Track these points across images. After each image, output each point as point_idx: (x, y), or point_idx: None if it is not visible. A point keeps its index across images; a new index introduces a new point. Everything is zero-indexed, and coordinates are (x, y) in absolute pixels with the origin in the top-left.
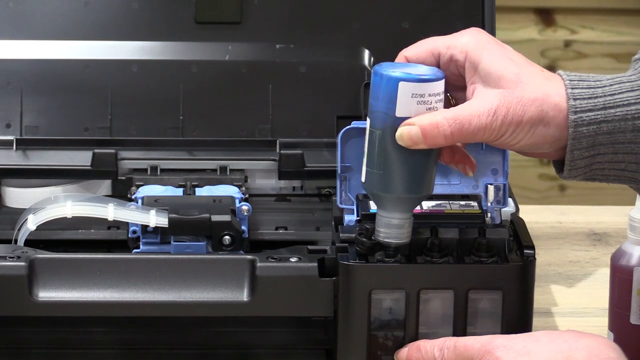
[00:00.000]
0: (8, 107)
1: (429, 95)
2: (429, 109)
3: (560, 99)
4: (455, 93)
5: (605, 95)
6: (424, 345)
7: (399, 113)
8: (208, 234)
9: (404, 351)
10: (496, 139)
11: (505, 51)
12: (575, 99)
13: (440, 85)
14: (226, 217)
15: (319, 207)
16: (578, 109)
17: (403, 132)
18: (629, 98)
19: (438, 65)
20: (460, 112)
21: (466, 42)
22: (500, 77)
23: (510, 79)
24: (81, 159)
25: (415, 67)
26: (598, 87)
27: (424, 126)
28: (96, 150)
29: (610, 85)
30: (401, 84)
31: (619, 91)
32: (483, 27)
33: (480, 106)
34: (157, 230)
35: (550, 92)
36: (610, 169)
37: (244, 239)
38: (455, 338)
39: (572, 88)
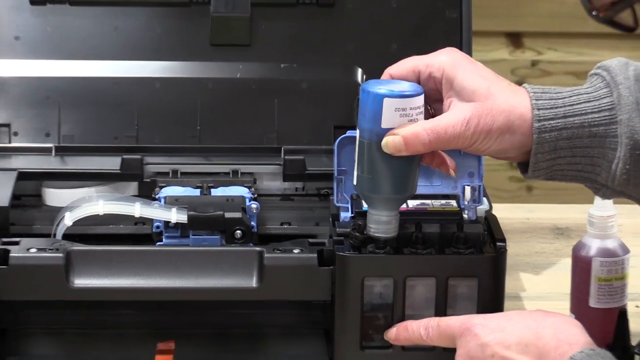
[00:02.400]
0: (48, 119)
1: (410, 108)
2: (411, 120)
3: (525, 110)
4: (433, 105)
5: (565, 106)
6: (411, 325)
7: (384, 125)
8: (222, 228)
9: (392, 330)
10: (469, 146)
11: (477, 68)
12: (539, 109)
13: (419, 100)
14: (238, 214)
15: (318, 206)
16: (541, 118)
17: (388, 141)
18: (586, 108)
19: (419, 81)
20: (437, 123)
21: (443, 61)
22: (473, 92)
23: (482, 93)
24: (111, 163)
25: (398, 83)
26: (559, 99)
27: (406, 136)
28: (124, 156)
29: (570, 96)
30: (385, 100)
31: (577, 102)
32: (461, 49)
33: (455, 117)
34: (177, 225)
35: (516, 104)
36: (569, 170)
37: (253, 233)
38: (438, 318)
39: (536, 99)
